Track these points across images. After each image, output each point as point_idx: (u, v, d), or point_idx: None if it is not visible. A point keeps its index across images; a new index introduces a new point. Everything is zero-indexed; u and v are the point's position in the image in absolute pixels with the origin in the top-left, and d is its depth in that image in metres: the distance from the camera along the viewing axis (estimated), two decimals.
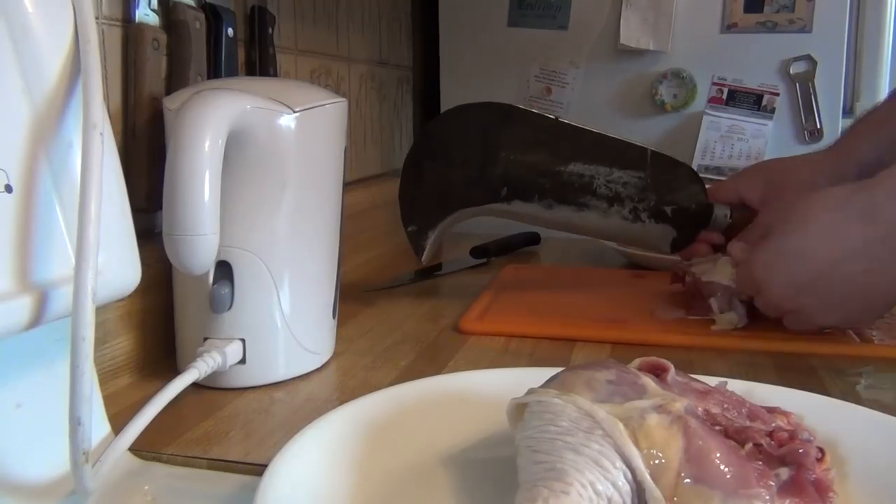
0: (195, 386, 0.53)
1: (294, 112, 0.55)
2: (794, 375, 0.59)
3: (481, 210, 0.74)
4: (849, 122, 1.15)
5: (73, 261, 0.38)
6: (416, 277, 0.94)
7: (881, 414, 0.44)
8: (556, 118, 0.75)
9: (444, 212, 0.74)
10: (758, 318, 0.68)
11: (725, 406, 0.38)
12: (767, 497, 0.33)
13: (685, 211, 0.75)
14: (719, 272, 0.71)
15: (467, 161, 0.73)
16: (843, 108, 1.21)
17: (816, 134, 1.18)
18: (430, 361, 0.64)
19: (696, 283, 0.73)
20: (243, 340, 0.56)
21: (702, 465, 0.33)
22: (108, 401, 0.48)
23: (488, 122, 0.74)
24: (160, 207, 0.47)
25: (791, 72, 1.18)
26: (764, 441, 0.35)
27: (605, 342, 0.66)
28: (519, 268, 0.98)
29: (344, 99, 0.61)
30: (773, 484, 0.34)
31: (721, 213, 0.77)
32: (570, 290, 0.85)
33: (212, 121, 0.48)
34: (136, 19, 0.59)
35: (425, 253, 0.74)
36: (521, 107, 0.75)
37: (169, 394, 0.48)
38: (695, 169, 1.26)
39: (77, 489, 0.39)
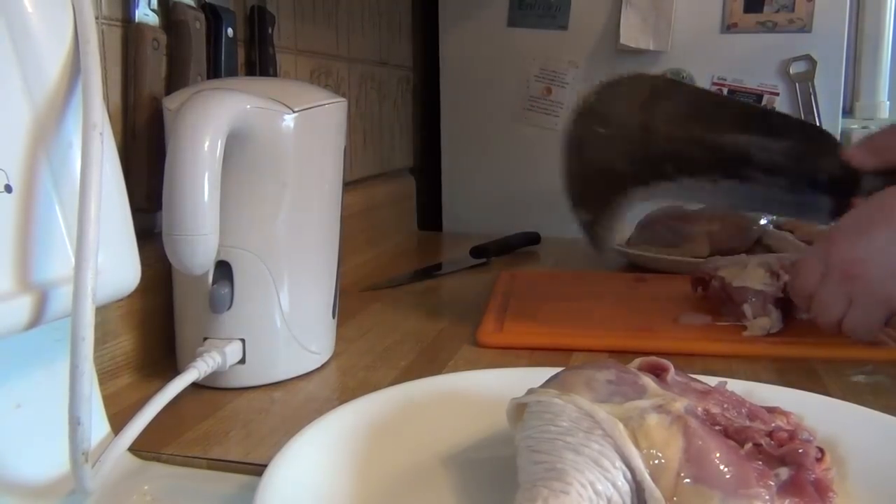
0: (195, 386, 0.53)
1: (294, 112, 0.55)
2: (795, 375, 0.59)
3: (651, 191, 0.71)
4: (848, 122, 1.15)
5: (73, 261, 0.38)
6: (416, 277, 0.94)
7: (881, 414, 0.44)
8: (699, 88, 0.72)
9: (615, 196, 0.71)
10: (793, 323, 0.68)
11: (725, 406, 0.38)
12: (767, 497, 0.33)
13: (836, 178, 0.70)
14: (751, 277, 0.69)
15: (629, 137, 0.70)
16: (843, 108, 1.21)
17: None
18: (430, 361, 0.64)
19: (724, 288, 0.71)
20: (243, 340, 0.56)
21: (701, 465, 0.33)
22: (108, 401, 0.48)
23: (640, 96, 0.71)
24: (160, 207, 0.47)
25: (791, 72, 1.18)
26: (764, 441, 0.35)
27: (635, 352, 0.63)
28: (523, 273, 0.97)
29: (343, 99, 0.61)
30: (772, 484, 0.34)
31: (877, 182, 0.69)
32: (582, 296, 0.83)
33: (211, 121, 0.48)
34: (136, 19, 0.59)
35: (604, 243, 0.71)
36: (666, 76, 0.73)
37: (169, 394, 0.48)
38: None
39: (77, 489, 0.39)
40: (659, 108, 0.70)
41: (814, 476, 0.34)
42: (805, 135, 0.71)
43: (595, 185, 0.71)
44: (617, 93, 0.72)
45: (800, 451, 0.35)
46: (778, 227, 1.00)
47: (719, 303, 0.73)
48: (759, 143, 0.69)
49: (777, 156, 0.69)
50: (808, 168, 0.70)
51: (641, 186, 0.70)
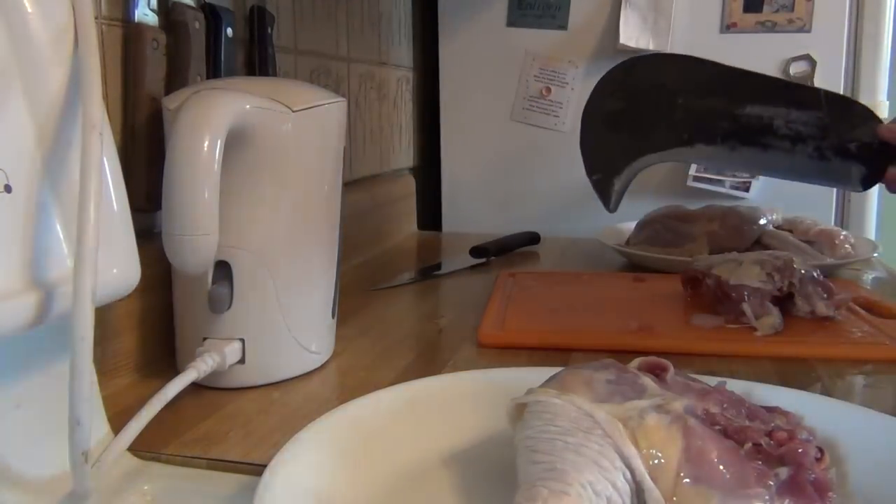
0: (194, 386, 0.53)
1: (293, 112, 0.55)
2: (795, 376, 0.59)
3: (666, 155, 0.73)
4: None
5: (73, 261, 0.38)
6: (415, 277, 0.94)
7: (881, 414, 0.44)
8: (726, 65, 0.74)
9: (628, 157, 0.72)
10: (793, 323, 0.68)
11: (725, 406, 0.38)
12: (766, 497, 0.33)
13: (869, 147, 0.70)
14: (747, 274, 0.70)
15: (647, 107, 0.72)
16: None
17: None
18: (430, 361, 0.64)
19: (720, 287, 0.71)
20: (242, 340, 0.56)
21: (701, 464, 0.33)
22: (108, 401, 0.48)
23: (663, 70, 0.73)
24: (160, 207, 0.47)
25: (790, 72, 1.18)
26: (763, 441, 0.35)
27: (634, 352, 0.62)
28: (523, 273, 0.97)
29: (343, 98, 0.61)
30: (772, 484, 0.34)
31: None
32: (582, 296, 0.83)
33: (211, 121, 0.48)
34: (136, 19, 0.59)
35: (612, 201, 0.72)
36: (691, 56, 0.75)
37: (168, 394, 0.47)
38: (693, 172, 1.27)
39: (76, 489, 0.39)
40: (681, 80, 0.72)
41: (813, 476, 0.34)
42: (835, 105, 0.71)
43: (607, 151, 0.73)
44: (639, 65, 0.74)
45: (799, 450, 0.35)
46: (778, 226, 1.00)
47: (714, 301, 0.73)
48: (783, 114, 0.70)
49: (803, 126, 0.70)
50: (837, 137, 0.70)
51: (657, 151, 0.72)
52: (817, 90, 0.73)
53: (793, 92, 0.72)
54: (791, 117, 0.70)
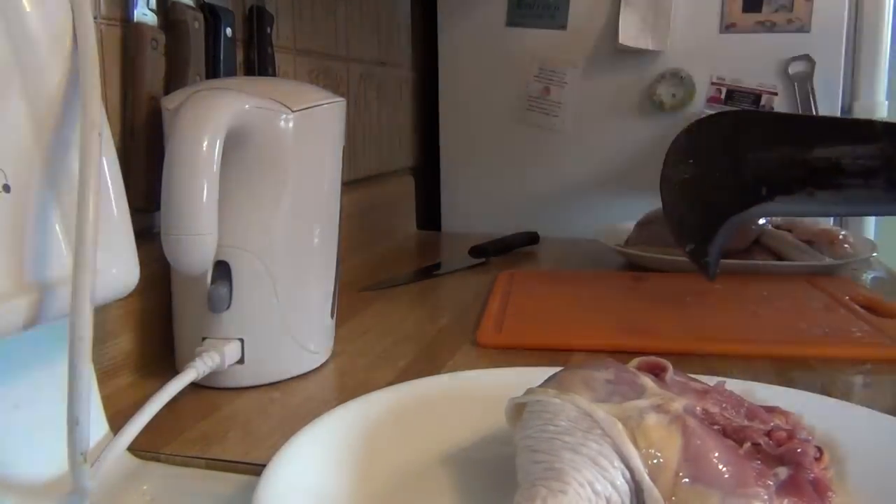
0: (194, 386, 0.53)
1: (293, 112, 0.55)
2: (794, 375, 0.59)
3: (751, 213, 0.72)
4: None
5: (72, 261, 0.38)
6: (415, 277, 0.94)
7: (881, 414, 0.44)
8: (778, 112, 0.74)
9: (714, 223, 0.72)
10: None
11: (724, 405, 0.38)
12: (766, 496, 0.33)
13: None
14: None
15: (718, 171, 0.72)
16: (842, 108, 1.21)
17: None
18: (430, 361, 0.64)
19: None
20: (242, 340, 0.56)
21: (700, 464, 0.33)
22: (107, 401, 0.48)
23: (724, 128, 0.73)
24: (159, 207, 0.47)
25: (790, 71, 1.18)
26: (762, 440, 0.35)
27: (634, 352, 0.62)
28: (523, 273, 0.97)
29: (343, 99, 0.61)
30: (771, 483, 0.34)
31: None
32: (581, 296, 0.83)
33: (210, 120, 0.48)
34: (135, 19, 0.59)
35: (710, 269, 0.72)
36: (744, 110, 0.75)
37: (167, 394, 0.47)
38: None
39: (75, 489, 0.39)
40: (743, 137, 0.72)
41: (812, 475, 0.34)
42: (893, 134, 0.69)
43: (694, 218, 0.73)
44: (703, 130, 0.73)
45: (798, 450, 0.35)
46: (776, 226, 1.00)
47: None
48: (849, 152, 0.69)
49: (870, 160, 0.69)
50: None
51: (739, 212, 0.71)
52: (873, 122, 0.72)
53: (851, 128, 0.72)
54: (857, 153, 0.69)
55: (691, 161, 0.73)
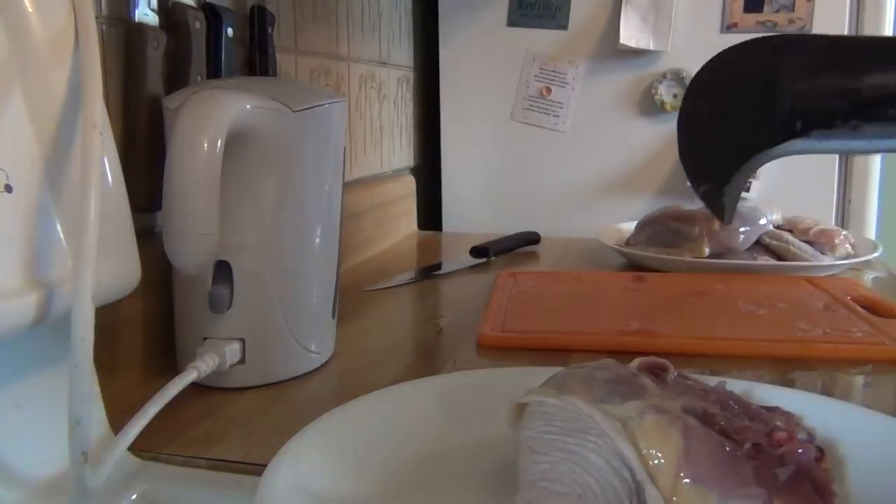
0: (195, 386, 0.53)
1: (293, 112, 0.55)
2: (795, 375, 0.59)
3: (778, 150, 0.65)
4: None
5: (73, 260, 0.38)
6: (416, 277, 0.94)
7: (881, 414, 0.44)
8: (823, 35, 0.67)
9: (735, 162, 0.66)
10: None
11: (724, 406, 0.38)
12: (766, 497, 0.33)
13: None
14: None
15: (749, 103, 0.65)
16: None
17: None
18: (430, 361, 0.64)
19: None
20: (242, 340, 0.56)
21: (700, 464, 0.33)
22: (108, 401, 0.48)
23: (759, 57, 0.65)
24: (160, 207, 0.47)
25: None
26: (763, 441, 0.35)
27: (634, 352, 0.61)
28: (523, 272, 0.97)
29: (343, 99, 0.61)
30: (771, 484, 0.34)
31: None
32: (582, 296, 0.83)
33: (211, 120, 0.48)
34: (136, 19, 0.59)
35: (725, 212, 0.65)
36: (790, 33, 0.69)
37: (168, 394, 0.47)
38: None
39: (76, 489, 0.39)
40: (780, 64, 0.64)
41: (813, 476, 0.34)
42: None
43: (715, 156, 0.67)
44: (731, 60, 0.66)
45: (799, 451, 0.35)
46: (778, 226, 1.00)
47: None
48: None
49: None
50: None
51: (766, 149, 0.64)
52: None
53: None
54: None
55: (716, 94, 0.67)
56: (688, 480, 0.33)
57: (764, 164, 0.65)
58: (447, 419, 0.45)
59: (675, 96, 1.21)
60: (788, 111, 0.63)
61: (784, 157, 0.67)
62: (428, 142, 1.39)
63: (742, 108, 0.65)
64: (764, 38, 0.66)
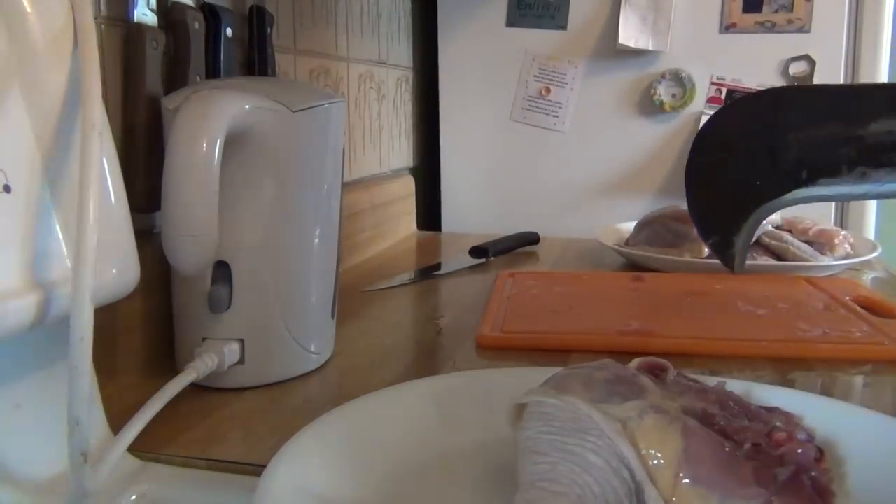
0: (194, 386, 0.53)
1: (293, 112, 0.55)
2: (794, 375, 0.59)
3: (784, 201, 0.65)
4: None
5: (72, 261, 0.38)
6: (415, 277, 0.94)
7: (881, 414, 0.44)
8: (827, 85, 0.66)
9: (743, 213, 0.66)
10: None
11: (724, 406, 0.38)
12: (766, 497, 0.33)
13: None
14: None
15: (754, 155, 0.65)
16: None
17: None
18: (430, 361, 0.64)
19: None
20: (242, 341, 0.56)
21: (700, 465, 0.33)
22: (108, 401, 0.48)
23: (763, 109, 0.66)
24: (159, 207, 0.47)
25: (790, 72, 1.18)
26: (762, 441, 0.35)
27: (634, 352, 0.60)
28: (523, 273, 0.97)
29: (343, 99, 0.62)
30: (771, 484, 0.34)
31: None
32: (582, 296, 0.83)
33: (210, 121, 0.48)
34: (135, 19, 0.59)
35: (735, 262, 0.66)
36: (788, 86, 0.69)
37: (168, 394, 0.47)
38: None
39: (76, 490, 0.39)
40: (785, 115, 0.65)
41: (813, 476, 0.34)
42: None
43: (723, 208, 0.67)
44: (738, 111, 0.68)
45: (799, 451, 0.35)
46: (777, 226, 1.00)
47: None
48: None
49: None
50: None
51: (773, 199, 0.65)
52: None
53: None
54: None
55: (723, 145, 0.67)
56: (687, 481, 0.33)
57: (772, 213, 0.65)
58: (446, 420, 0.45)
59: (673, 96, 1.22)
60: (794, 161, 0.63)
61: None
62: (427, 142, 1.39)
63: (748, 160, 0.65)
64: (767, 90, 0.68)
